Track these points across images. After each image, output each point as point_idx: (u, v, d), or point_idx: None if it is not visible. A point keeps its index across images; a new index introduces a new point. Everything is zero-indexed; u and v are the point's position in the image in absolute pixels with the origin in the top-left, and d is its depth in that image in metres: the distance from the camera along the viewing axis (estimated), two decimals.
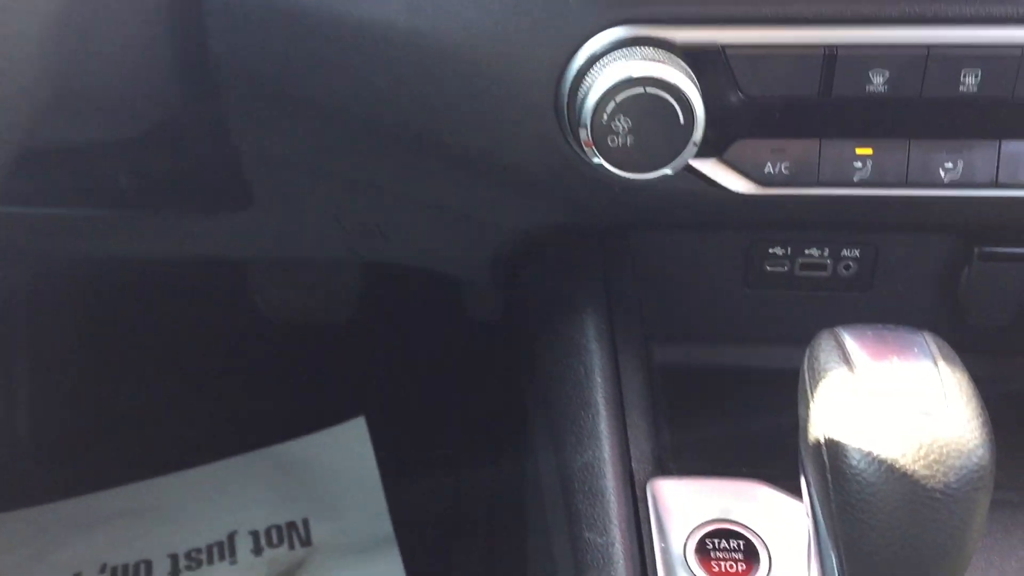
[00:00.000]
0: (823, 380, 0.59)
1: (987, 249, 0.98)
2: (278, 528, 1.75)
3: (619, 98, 0.76)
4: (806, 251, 1.02)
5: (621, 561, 0.76)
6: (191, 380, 1.91)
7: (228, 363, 1.91)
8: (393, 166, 0.93)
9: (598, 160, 0.78)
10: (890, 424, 0.55)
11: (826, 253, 1.02)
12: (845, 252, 1.02)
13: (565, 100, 0.80)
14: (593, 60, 0.78)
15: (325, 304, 1.74)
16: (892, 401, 0.56)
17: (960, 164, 0.82)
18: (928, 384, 0.57)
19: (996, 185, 0.82)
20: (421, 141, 0.87)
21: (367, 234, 1.06)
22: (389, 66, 0.81)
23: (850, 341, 0.61)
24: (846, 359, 0.60)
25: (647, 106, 0.76)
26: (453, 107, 0.82)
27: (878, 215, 0.88)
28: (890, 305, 1.05)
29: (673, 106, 0.76)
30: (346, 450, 1.86)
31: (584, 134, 0.77)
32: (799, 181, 0.83)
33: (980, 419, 0.56)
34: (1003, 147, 0.81)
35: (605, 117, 0.76)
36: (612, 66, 0.76)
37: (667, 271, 1.05)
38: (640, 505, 0.82)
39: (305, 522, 1.76)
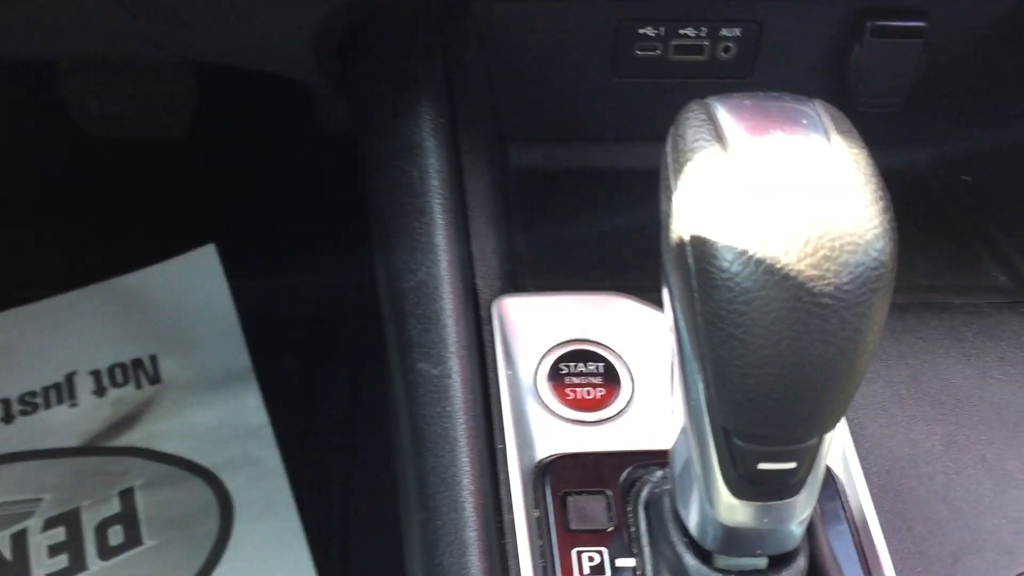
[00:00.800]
0: (689, 163, 0.46)
1: (879, 23, 0.87)
2: (123, 366, 1.62)
3: None
4: (681, 31, 0.89)
5: (458, 395, 0.64)
6: (12, 208, 1.71)
7: (52, 188, 1.71)
8: None
9: None
10: (769, 214, 0.43)
11: (703, 33, 0.90)
12: (724, 31, 0.90)
13: None
14: None
15: (152, 116, 1.53)
16: (773, 185, 0.44)
17: None
18: (818, 163, 0.45)
19: None
20: None
21: (160, 18, 0.87)
22: None
23: (724, 113, 0.48)
24: (718, 135, 0.47)
25: None
26: None
27: None
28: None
29: None
30: (196, 280, 1.72)
31: None
32: None
33: (880, 204, 0.44)
34: None
35: None
36: None
37: (523, 56, 0.91)
38: (484, 328, 0.69)
39: (153, 358, 1.63)
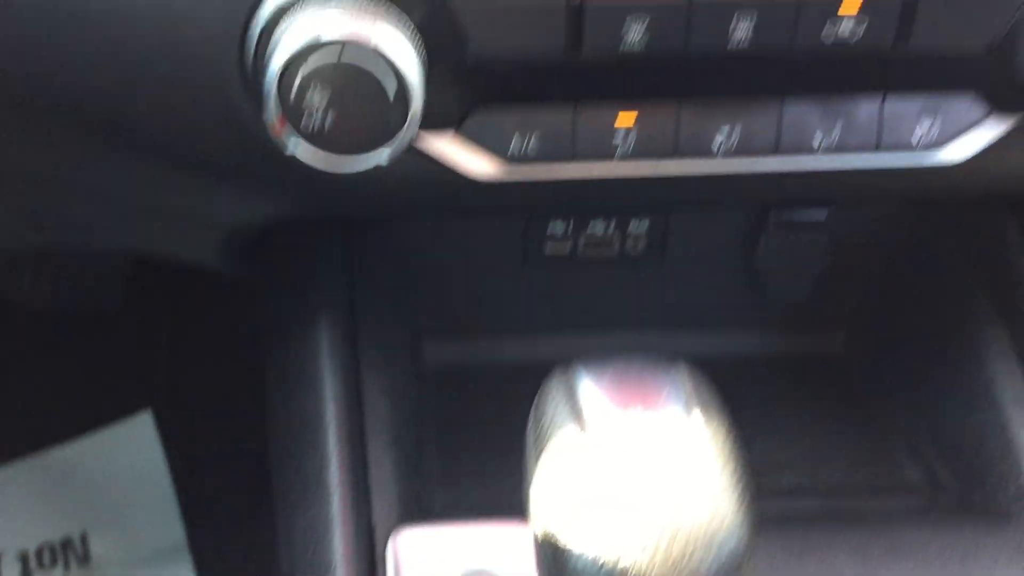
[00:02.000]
0: (548, 444, 0.45)
1: (783, 218, 0.87)
2: (51, 547, 1.56)
3: (309, 67, 0.59)
4: (589, 228, 0.89)
5: None
6: None
7: None
8: (74, 155, 0.74)
9: (292, 146, 0.61)
10: (623, 512, 0.42)
11: (612, 227, 0.90)
12: (633, 227, 0.90)
13: (250, 66, 0.62)
14: (281, 12, 0.60)
15: (85, 290, 1.51)
16: (626, 476, 0.43)
17: (738, 129, 0.68)
18: (674, 447, 0.44)
19: (777, 151, 0.69)
20: (95, 121, 0.68)
21: (72, 228, 0.86)
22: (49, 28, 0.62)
23: (585, 385, 0.47)
24: (576, 412, 0.46)
25: (345, 77, 0.59)
26: (125, 72, 0.64)
27: (648, 195, 0.74)
28: (684, 282, 0.94)
29: (376, 80, 0.59)
30: (130, 450, 1.67)
31: (268, 113, 0.60)
32: (551, 155, 0.68)
33: (738, 490, 0.43)
34: (785, 108, 0.68)
35: (294, 92, 0.59)
36: (301, 21, 0.59)
37: (434, 258, 0.91)
38: (380, 567, 0.67)
39: (83, 537, 1.58)
